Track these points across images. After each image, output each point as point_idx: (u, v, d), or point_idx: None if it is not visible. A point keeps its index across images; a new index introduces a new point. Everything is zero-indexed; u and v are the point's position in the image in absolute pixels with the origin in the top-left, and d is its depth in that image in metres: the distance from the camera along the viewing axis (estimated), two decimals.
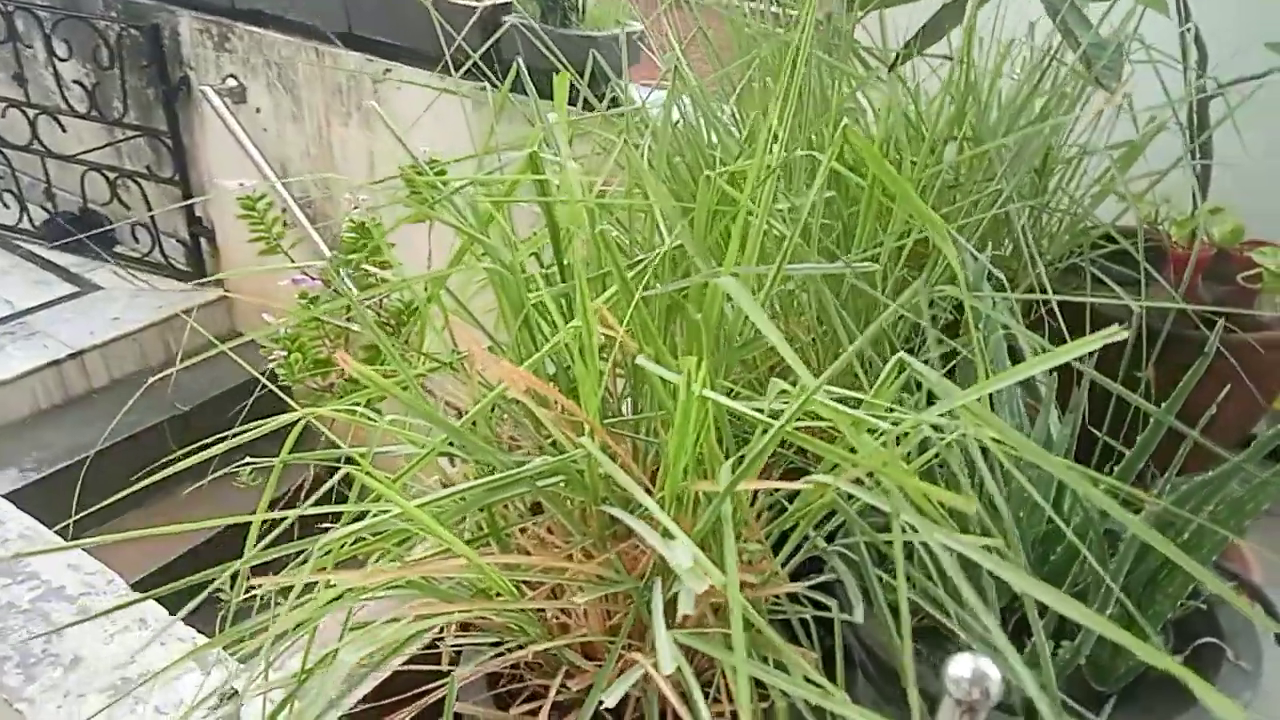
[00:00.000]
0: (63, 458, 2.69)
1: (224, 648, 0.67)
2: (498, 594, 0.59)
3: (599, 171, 0.82)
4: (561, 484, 0.61)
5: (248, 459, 0.83)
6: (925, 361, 0.56)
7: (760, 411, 0.47)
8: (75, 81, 3.11)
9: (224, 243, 3.21)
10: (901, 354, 0.52)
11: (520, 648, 0.65)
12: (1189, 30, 1.03)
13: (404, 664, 0.73)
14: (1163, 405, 0.69)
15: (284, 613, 0.59)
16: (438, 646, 0.72)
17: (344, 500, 0.66)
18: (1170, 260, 1.13)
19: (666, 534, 0.48)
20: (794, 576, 0.65)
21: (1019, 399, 0.79)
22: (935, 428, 0.55)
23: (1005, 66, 0.93)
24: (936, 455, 0.58)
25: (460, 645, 0.70)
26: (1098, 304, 0.94)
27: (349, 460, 0.68)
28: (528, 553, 0.66)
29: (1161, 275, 1.13)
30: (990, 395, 0.80)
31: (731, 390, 0.57)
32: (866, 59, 0.91)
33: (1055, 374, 0.75)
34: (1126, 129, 1.02)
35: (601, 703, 0.54)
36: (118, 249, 3.39)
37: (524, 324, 0.67)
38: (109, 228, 3.38)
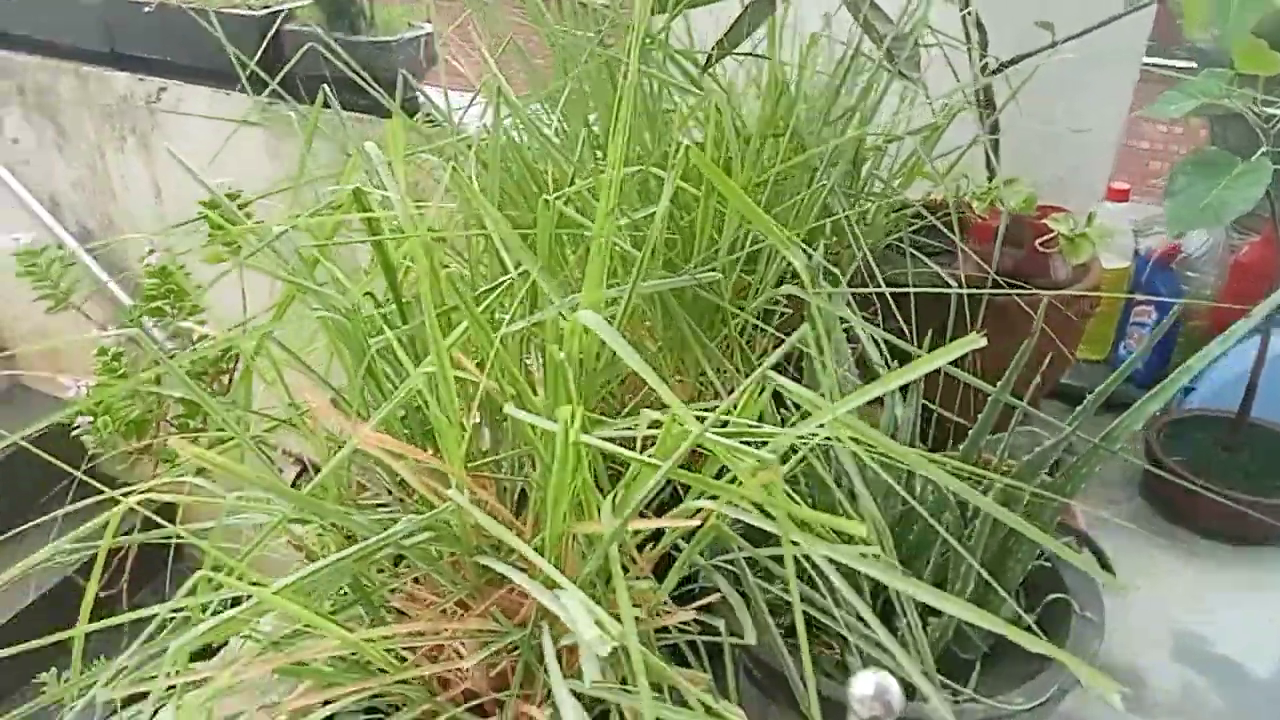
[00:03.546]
0: None
1: None
2: (379, 667, 0.55)
3: (427, 195, 0.79)
4: (430, 539, 0.58)
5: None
6: (780, 367, 0.57)
7: (633, 447, 0.46)
8: None
9: None
10: (764, 369, 0.52)
11: (397, 709, 0.62)
12: (969, 14, 1.10)
13: None
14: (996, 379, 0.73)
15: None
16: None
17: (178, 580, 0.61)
18: (973, 231, 1.20)
19: (551, 583, 0.47)
20: (679, 593, 0.65)
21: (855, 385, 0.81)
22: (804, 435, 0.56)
23: (811, 61, 0.96)
24: (803, 460, 0.59)
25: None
26: (913, 278, 0.99)
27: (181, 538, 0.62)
28: (401, 613, 0.63)
29: (967, 247, 1.20)
30: (837, 387, 0.82)
31: (597, 420, 0.56)
32: (682, 63, 0.91)
33: (896, 359, 0.78)
34: (928, 113, 1.08)
35: None
36: None
37: (367, 371, 0.63)
38: None
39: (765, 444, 0.51)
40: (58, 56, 2.35)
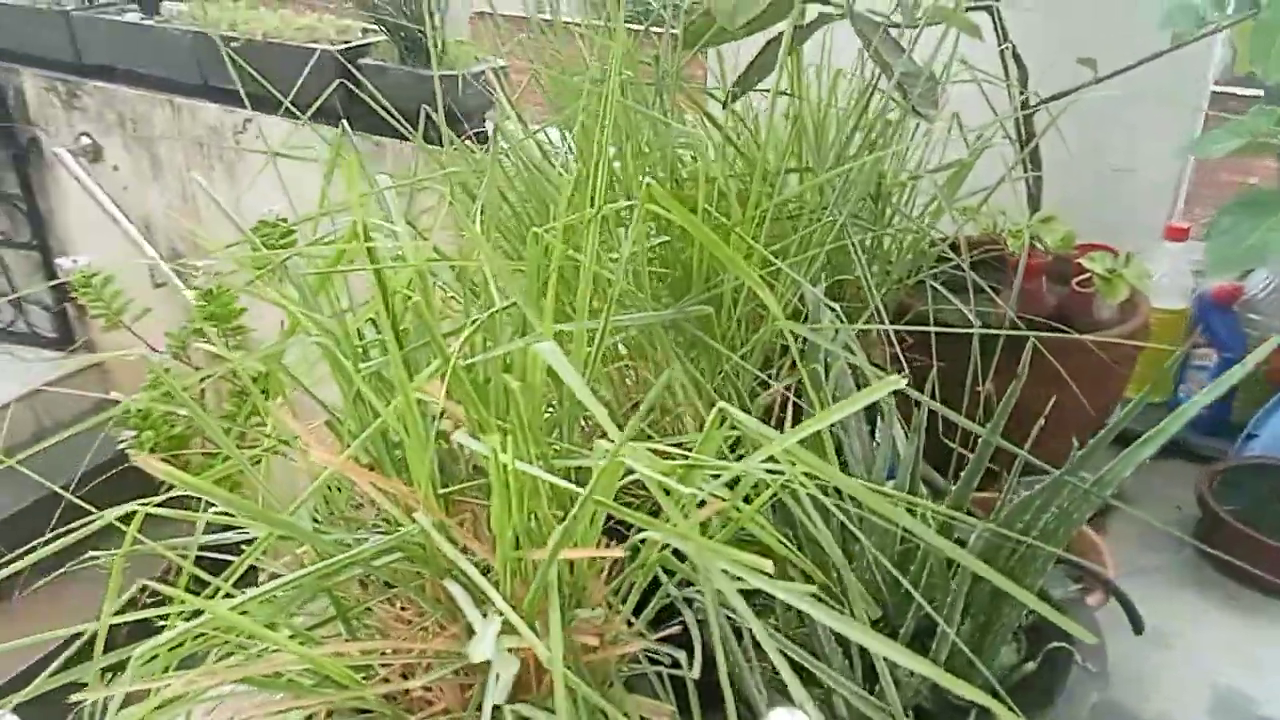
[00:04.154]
0: None
1: None
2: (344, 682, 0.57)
3: (441, 223, 0.81)
4: (403, 560, 0.59)
5: (92, 552, 0.79)
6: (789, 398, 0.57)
7: (572, 477, 0.47)
8: None
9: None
10: (721, 404, 0.53)
11: None
12: (1008, 49, 1.08)
13: None
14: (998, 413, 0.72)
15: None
16: None
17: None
18: (1010, 268, 1.18)
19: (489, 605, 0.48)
20: (657, 623, 0.65)
21: (863, 426, 0.80)
22: (773, 470, 0.56)
23: (836, 97, 0.96)
24: (775, 496, 0.59)
25: None
26: (942, 315, 0.98)
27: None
28: (383, 631, 0.65)
29: (1004, 283, 1.18)
30: (840, 426, 0.82)
31: (558, 451, 0.57)
32: (700, 96, 0.93)
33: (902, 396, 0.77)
34: (961, 148, 1.06)
35: None
36: None
37: (357, 396, 0.65)
38: None
39: (718, 477, 0.52)
40: (154, 89, 2.49)
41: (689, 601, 0.62)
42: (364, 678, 0.56)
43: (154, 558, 0.65)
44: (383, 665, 0.61)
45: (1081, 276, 1.07)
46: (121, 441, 1.01)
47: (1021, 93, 1.13)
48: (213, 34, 2.30)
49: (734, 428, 0.57)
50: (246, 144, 2.36)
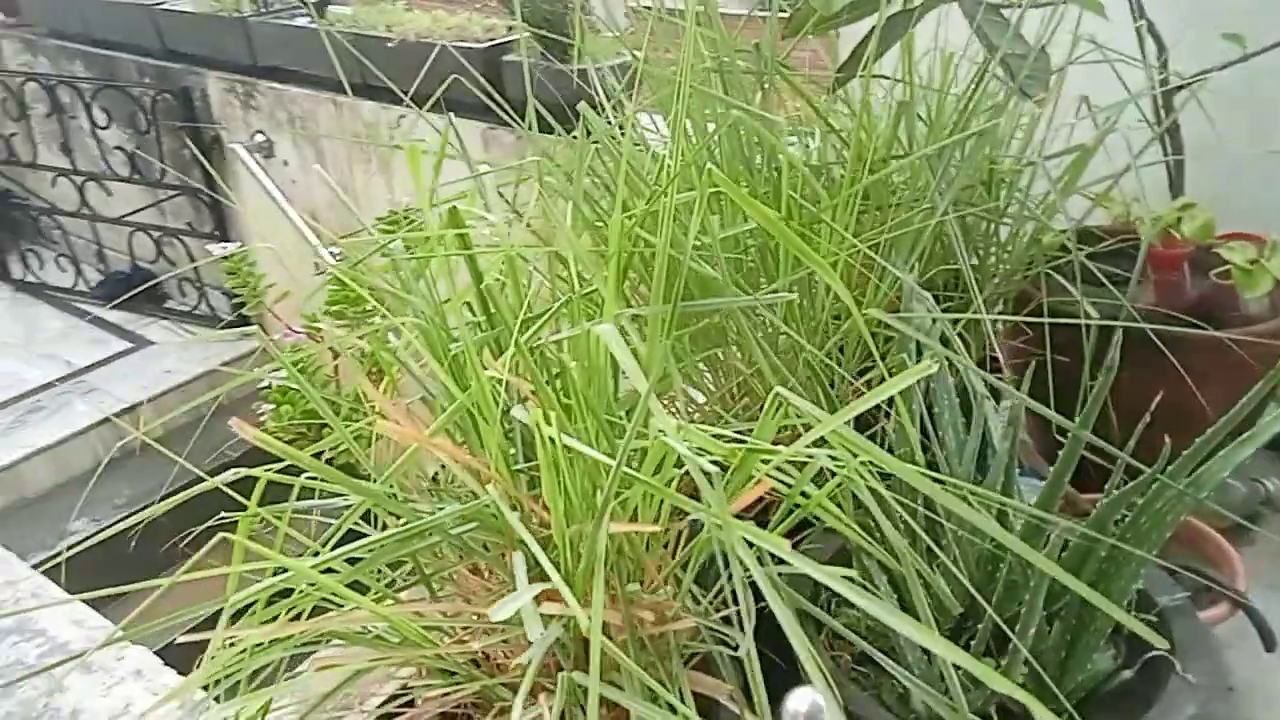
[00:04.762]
0: (122, 509, 2.80)
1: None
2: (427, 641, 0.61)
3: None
4: (480, 530, 0.63)
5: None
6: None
7: (613, 456, 0.49)
8: (117, 147, 3.25)
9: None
10: (778, 389, 0.53)
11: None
12: (1143, 26, 1.02)
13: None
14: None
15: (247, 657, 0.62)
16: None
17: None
18: (1150, 258, 1.11)
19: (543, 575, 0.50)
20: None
21: (958, 419, 0.79)
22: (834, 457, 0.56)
23: (948, 81, 0.93)
24: (840, 484, 0.59)
25: (411, 689, 0.72)
26: (1066, 307, 0.94)
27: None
28: (465, 598, 0.68)
29: (1138, 274, 1.11)
30: (931, 415, 0.80)
31: (618, 430, 0.58)
32: (803, 84, 0.92)
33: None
34: (1092, 132, 1.01)
35: None
36: (168, 304, 3.52)
37: (449, 374, 0.69)
38: (152, 283, 3.51)
39: (767, 461, 0.52)
40: (318, 88, 2.65)
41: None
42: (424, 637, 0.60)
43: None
44: (464, 629, 0.65)
45: (1223, 268, 1.00)
46: (260, 414, 1.10)
47: (1161, 72, 1.07)
48: (370, 36, 2.44)
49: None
50: (401, 137, 2.48)
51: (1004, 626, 0.64)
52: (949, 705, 0.62)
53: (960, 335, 0.97)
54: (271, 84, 2.80)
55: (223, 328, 3.32)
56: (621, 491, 0.52)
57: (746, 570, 0.43)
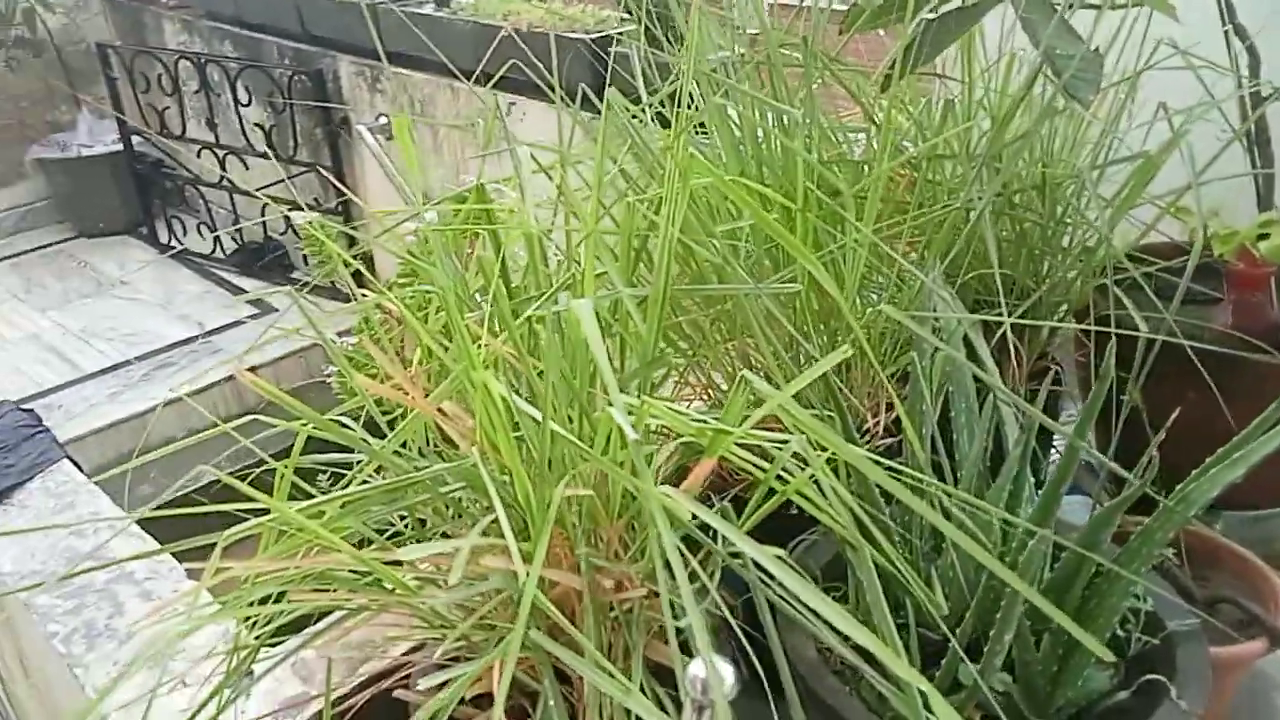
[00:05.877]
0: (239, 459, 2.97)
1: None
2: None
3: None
4: (466, 489, 0.66)
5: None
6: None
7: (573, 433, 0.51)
8: (256, 124, 3.44)
9: (380, 267, 3.46)
10: (744, 372, 0.54)
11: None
12: (1230, 31, 0.97)
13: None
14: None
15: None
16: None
17: None
18: (1227, 277, 1.06)
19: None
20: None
21: (974, 422, 0.77)
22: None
23: (1001, 83, 0.91)
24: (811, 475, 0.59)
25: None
26: (1128, 320, 0.90)
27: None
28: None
29: (1216, 293, 1.06)
30: (948, 414, 0.79)
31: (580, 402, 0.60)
32: (851, 81, 0.92)
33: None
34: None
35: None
36: (294, 274, 3.72)
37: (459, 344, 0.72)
38: (275, 254, 3.71)
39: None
40: (438, 74, 2.75)
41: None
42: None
43: None
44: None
45: None
46: (326, 375, 1.17)
47: (1253, 82, 1.02)
48: (488, 24, 2.51)
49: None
50: (511, 124, 2.55)
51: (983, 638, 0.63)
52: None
53: (1015, 345, 0.95)
54: (397, 69, 2.92)
55: (339, 299, 3.49)
56: (577, 460, 0.54)
57: (707, 549, 0.44)
